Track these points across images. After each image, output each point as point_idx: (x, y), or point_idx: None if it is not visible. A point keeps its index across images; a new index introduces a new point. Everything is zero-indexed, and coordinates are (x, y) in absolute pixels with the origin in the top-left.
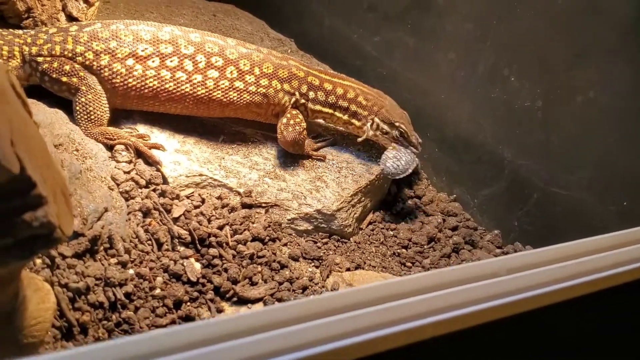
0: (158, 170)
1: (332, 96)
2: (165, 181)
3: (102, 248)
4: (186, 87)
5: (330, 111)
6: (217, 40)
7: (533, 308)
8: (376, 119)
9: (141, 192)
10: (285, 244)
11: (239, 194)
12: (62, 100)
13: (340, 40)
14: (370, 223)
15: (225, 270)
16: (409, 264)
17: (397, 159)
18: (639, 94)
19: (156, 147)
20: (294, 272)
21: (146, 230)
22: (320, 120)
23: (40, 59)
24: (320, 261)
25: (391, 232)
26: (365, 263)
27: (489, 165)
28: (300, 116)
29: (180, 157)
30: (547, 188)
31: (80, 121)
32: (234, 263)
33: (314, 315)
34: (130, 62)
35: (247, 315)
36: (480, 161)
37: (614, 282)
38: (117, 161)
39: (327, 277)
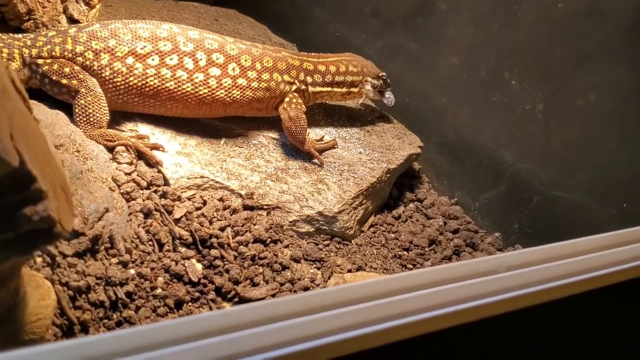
0: (159, 171)
1: (329, 75)
2: (166, 183)
3: (102, 248)
4: (187, 87)
5: (329, 89)
6: (216, 36)
7: (531, 305)
8: (368, 79)
9: (142, 194)
10: (286, 246)
11: (241, 196)
12: (63, 102)
13: (343, 45)
14: (371, 225)
15: (227, 271)
16: (410, 266)
17: (391, 94)
18: (639, 97)
19: (156, 147)
20: (295, 273)
21: (147, 231)
22: (320, 101)
23: (40, 61)
24: (322, 263)
25: (392, 235)
26: (366, 265)
27: (490, 168)
28: (300, 99)
29: (182, 159)
30: (547, 191)
31: (79, 123)
32: (235, 264)
33: (310, 310)
34: (130, 60)
35: (242, 310)
36: (481, 165)
37: (612, 280)
38: (118, 162)
39: (329, 278)
